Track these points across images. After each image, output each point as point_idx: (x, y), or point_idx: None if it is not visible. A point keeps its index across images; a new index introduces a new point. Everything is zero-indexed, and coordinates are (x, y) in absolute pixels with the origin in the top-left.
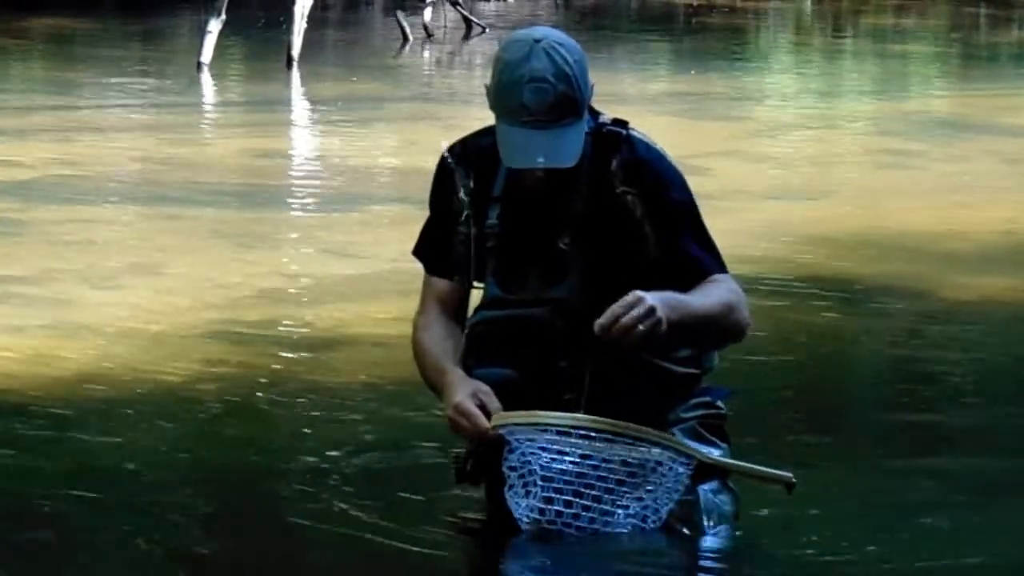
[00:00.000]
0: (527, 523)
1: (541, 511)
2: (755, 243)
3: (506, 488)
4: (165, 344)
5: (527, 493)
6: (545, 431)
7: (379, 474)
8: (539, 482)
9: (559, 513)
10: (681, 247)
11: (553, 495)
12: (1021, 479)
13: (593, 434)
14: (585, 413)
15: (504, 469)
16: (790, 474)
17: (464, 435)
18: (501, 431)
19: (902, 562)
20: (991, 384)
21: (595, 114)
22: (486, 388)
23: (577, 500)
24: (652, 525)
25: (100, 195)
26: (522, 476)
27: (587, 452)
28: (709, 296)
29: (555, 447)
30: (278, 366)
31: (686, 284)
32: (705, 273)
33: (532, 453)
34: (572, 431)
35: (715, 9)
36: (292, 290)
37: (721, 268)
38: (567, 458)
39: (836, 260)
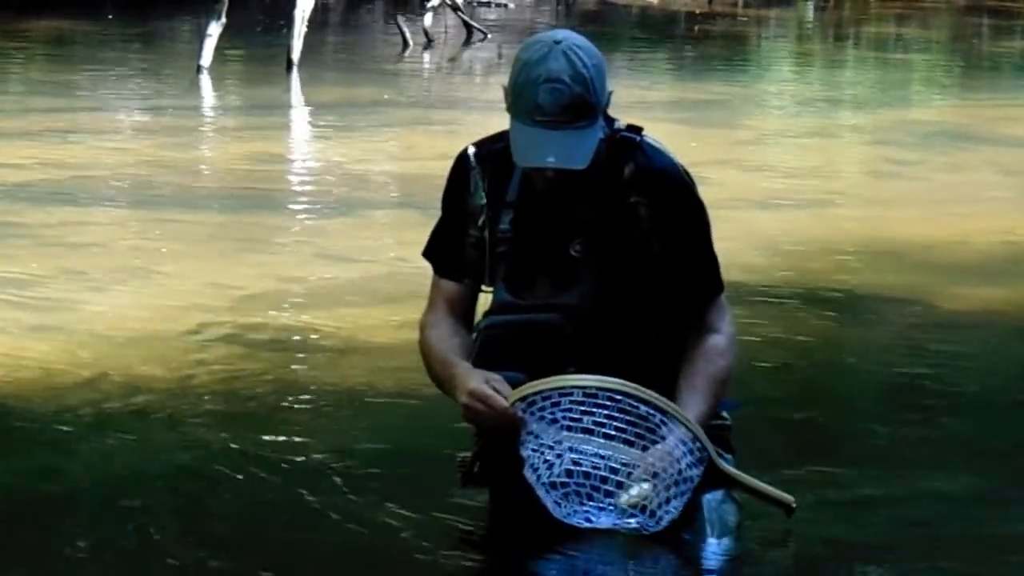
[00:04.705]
0: (551, 503)
1: (560, 485)
2: (754, 251)
3: (526, 467)
4: (163, 347)
5: (549, 465)
6: (563, 426)
7: (380, 477)
8: (566, 452)
9: (579, 486)
10: (681, 268)
11: (573, 467)
12: (1021, 489)
13: (618, 396)
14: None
15: (522, 453)
16: (792, 498)
17: (481, 420)
18: (518, 409)
19: (902, 572)
20: (990, 395)
21: (610, 121)
22: (497, 376)
23: (595, 472)
24: (655, 527)
25: (98, 198)
26: (543, 455)
27: (603, 452)
28: (710, 386)
29: (569, 443)
30: (276, 369)
31: (678, 306)
32: (696, 303)
33: (548, 446)
34: (598, 393)
35: (717, 17)
36: (290, 294)
37: (715, 291)
38: (589, 439)
39: (835, 269)
